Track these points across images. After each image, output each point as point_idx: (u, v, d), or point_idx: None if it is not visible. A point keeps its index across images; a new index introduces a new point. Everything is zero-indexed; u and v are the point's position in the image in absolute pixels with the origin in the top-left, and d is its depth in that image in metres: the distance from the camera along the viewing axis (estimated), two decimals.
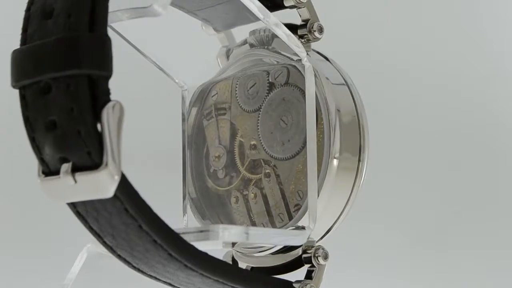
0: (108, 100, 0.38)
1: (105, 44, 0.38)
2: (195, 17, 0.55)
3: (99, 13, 0.38)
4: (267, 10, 0.47)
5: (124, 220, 0.40)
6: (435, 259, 0.72)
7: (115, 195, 0.39)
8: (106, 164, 0.37)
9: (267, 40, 0.54)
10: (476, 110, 0.78)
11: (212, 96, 0.56)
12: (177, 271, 0.43)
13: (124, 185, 0.39)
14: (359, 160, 0.50)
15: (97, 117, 0.37)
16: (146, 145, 0.65)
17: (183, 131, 0.57)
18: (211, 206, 0.56)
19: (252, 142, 0.53)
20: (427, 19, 0.78)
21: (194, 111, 0.57)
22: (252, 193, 0.53)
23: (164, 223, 0.40)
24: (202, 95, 0.57)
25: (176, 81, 0.58)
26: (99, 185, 0.38)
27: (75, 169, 0.38)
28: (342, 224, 0.51)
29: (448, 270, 0.71)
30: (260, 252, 0.52)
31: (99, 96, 0.38)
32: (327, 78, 0.50)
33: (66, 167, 0.39)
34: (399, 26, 0.77)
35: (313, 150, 0.48)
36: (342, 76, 0.52)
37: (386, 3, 0.77)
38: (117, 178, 0.37)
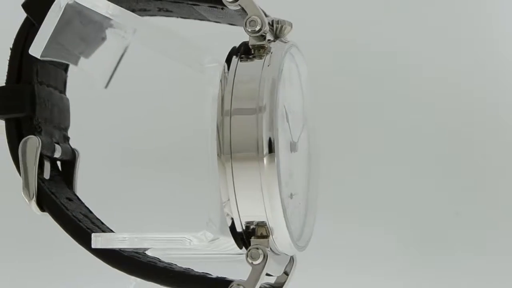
0: (29, 135, 0.48)
1: (25, 92, 0.49)
2: (222, 23, 0.59)
3: (24, 69, 0.50)
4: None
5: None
6: (435, 262, 0.68)
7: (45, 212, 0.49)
8: (23, 188, 0.48)
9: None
10: (477, 105, 0.72)
11: None
12: None
13: (49, 204, 0.48)
14: (260, 158, 0.44)
15: None
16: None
17: None
18: None
19: None
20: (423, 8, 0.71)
21: None
22: None
23: (83, 233, 0.48)
24: None
25: None
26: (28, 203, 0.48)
27: None
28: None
29: (448, 274, 0.67)
30: None
31: (23, 133, 0.49)
32: (232, 78, 0.47)
33: None
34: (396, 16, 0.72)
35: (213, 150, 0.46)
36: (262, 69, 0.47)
37: None
38: (32, 199, 0.48)
